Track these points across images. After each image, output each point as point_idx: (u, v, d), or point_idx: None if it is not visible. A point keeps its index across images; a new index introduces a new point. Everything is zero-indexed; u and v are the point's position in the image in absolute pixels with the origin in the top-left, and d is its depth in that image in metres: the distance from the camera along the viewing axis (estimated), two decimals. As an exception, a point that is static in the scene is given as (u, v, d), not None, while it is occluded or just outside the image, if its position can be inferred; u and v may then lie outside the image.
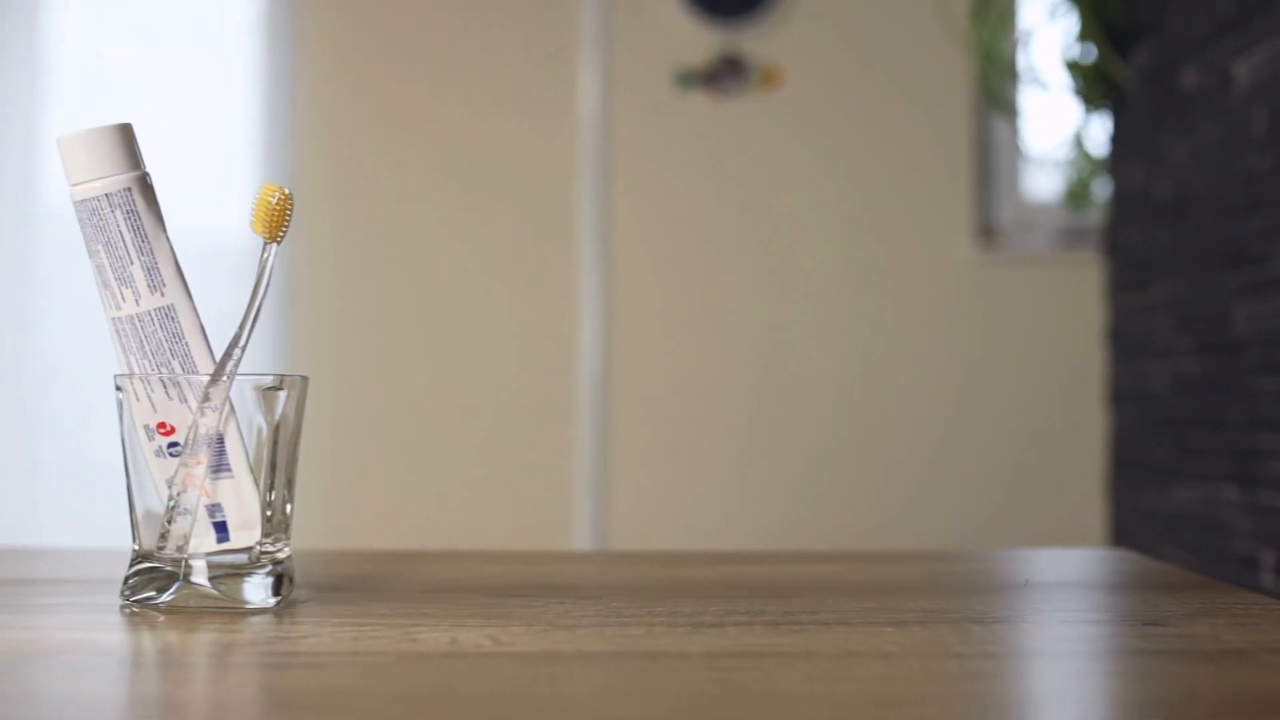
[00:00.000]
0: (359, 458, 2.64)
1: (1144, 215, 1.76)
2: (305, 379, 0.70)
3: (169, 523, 0.68)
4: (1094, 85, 1.76)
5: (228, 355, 0.67)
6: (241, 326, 0.67)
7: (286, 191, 0.65)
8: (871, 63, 2.62)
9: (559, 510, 2.62)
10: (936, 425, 2.58)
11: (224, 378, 0.67)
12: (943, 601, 0.72)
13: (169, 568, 0.68)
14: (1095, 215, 2.51)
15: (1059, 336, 2.57)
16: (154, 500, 0.69)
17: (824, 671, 0.55)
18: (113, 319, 0.68)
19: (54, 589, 0.74)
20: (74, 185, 0.67)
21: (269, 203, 0.65)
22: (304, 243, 2.67)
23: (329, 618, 0.65)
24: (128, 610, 0.66)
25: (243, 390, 0.68)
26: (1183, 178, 1.65)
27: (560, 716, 0.48)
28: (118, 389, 0.69)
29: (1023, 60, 2.02)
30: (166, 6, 2.78)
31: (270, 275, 0.67)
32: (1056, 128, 2.27)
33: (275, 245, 0.66)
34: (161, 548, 0.68)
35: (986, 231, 2.57)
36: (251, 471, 0.69)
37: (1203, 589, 0.74)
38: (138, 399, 0.68)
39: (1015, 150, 2.58)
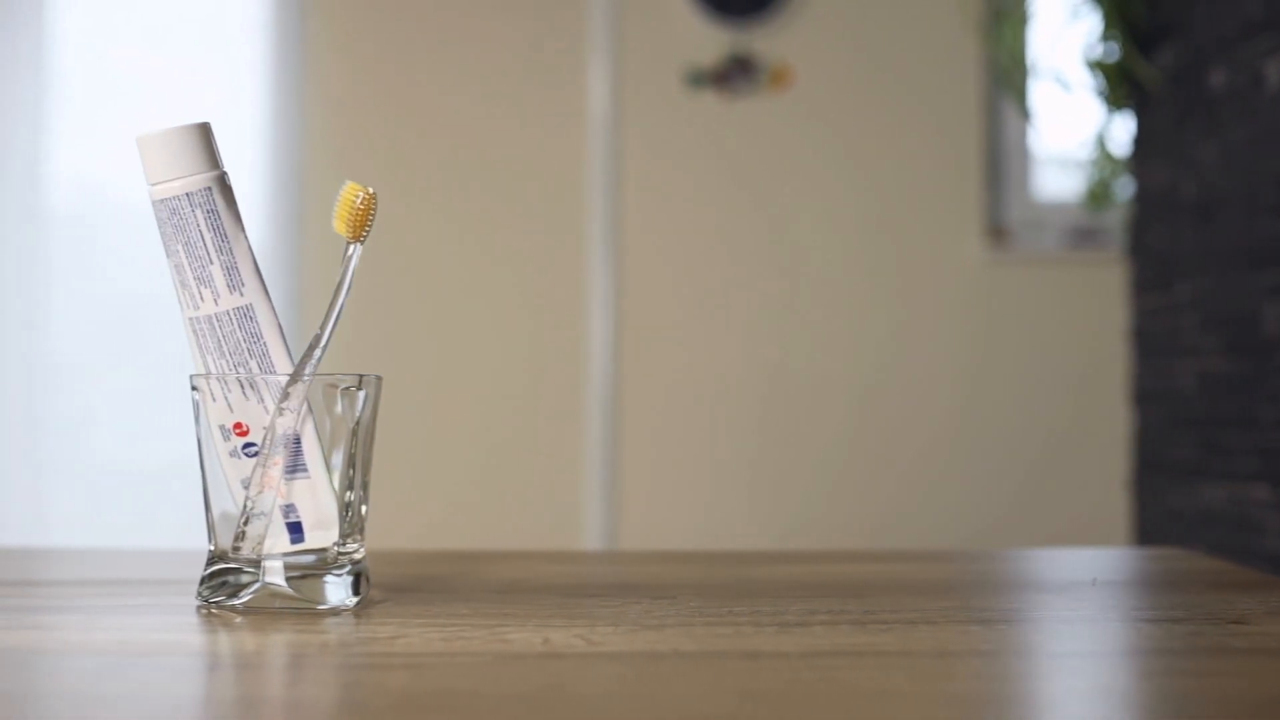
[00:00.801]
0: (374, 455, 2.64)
1: (1169, 215, 1.77)
2: (380, 379, 0.70)
3: (245, 524, 0.68)
4: (1117, 85, 1.77)
5: (308, 355, 0.67)
6: (323, 326, 0.67)
7: (370, 191, 0.65)
8: (881, 62, 2.62)
9: (569, 510, 2.62)
10: (947, 425, 2.59)
11: (304, 378, 0.67)
12: (1017, 600, 0.72)
13: (246, 569, 0.67)
14: (1105, 215, 2.52)
15: (1069, 336, 2.58)
16: (229, 501, 0.69)
17: (926, 670, 0.55)
18: (189, 319, 0.68)
19: (131, 590, 0.73)
20: (153, 185, 0.67)
21: (353, 203, 0.65)
22: (312, 243, 2.66)
23: (410, 618, 0.64)
24: (206, 611, 0.66)
25: (322, 390, 0.68)
26: (1210, 178, 1.66)
27: (681, 717, 0.48)
28: (194, 389, 0.69)
29: (1044, 59, 2.02)
30: (174, 6, 2.78)
31: (353, 276, 0.67)
32: (1074, 127, 2.27)
33: (359, 245, 0.66)
34: (237, 549, 0.68)
35: (996, 231, 2.57)
36: (328, 472, 0.68)
37: (1274, 587, 0.74)
38: (214, 399, 0.68)
39: (1025, 150, 2.59)
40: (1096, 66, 1.79)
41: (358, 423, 0.69)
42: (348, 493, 0.68)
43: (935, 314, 2.60)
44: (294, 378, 0.67)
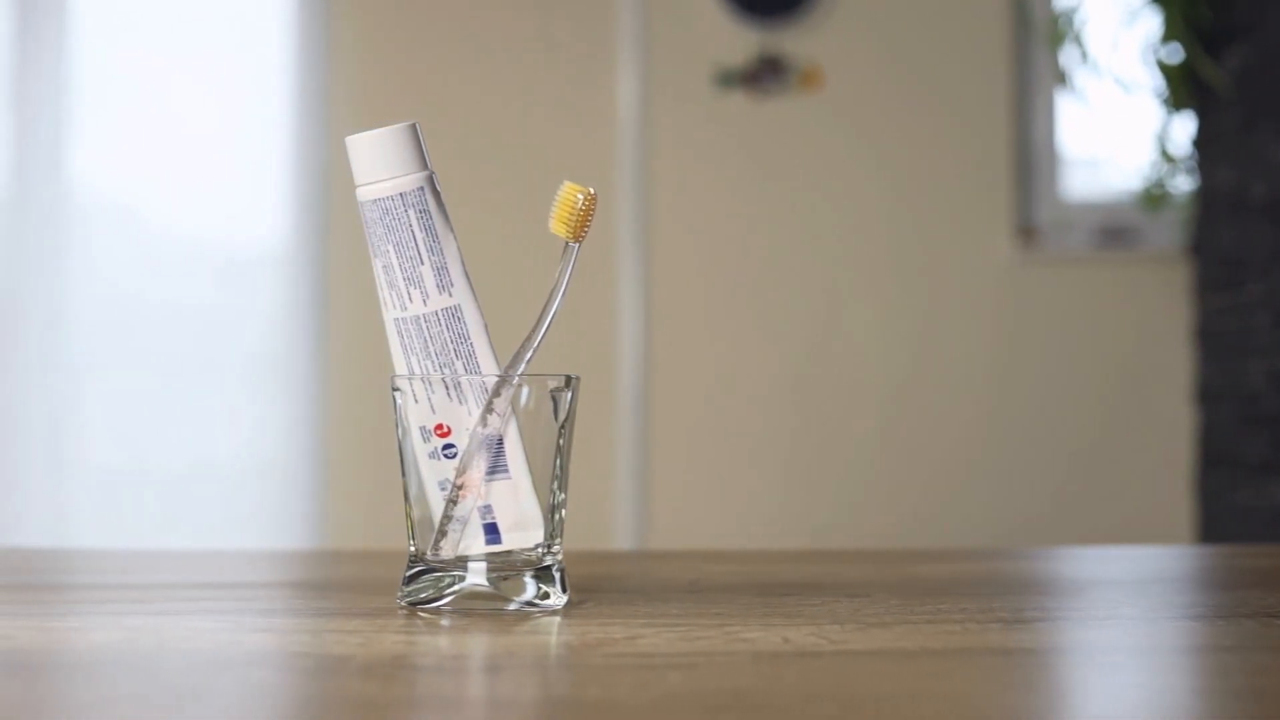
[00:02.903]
0: (395, 454, 2.63)
1: (1237, 215, 1.78)
2: (579, 379, 0.70)
3: (445, 526, 0.68)
4: (1180, 86, 1.78)
5: (519, 356, 0.67)
6: (537, 327, 0.67)
7: (591, 191, 0.65)
8: (911, 62, 2.63)
9: (600, 509, 2.61)
10: (976, 424, 2.60)
11: (514, 379, 0.67)
12: (1212, 596, 0.73)
13: (447, 570, 0.67)
14: (1134, 215, 2.54)
15: (1099, 336, 2.59)
16: (430, 503, 0.69)
17: (1186, 665, 0.55)
18: (395, 320, 0.68)
19: (326, 593, 0.73)
20: (365, 185, 0.67)
21: (573, 203, 0.65)
22: (340, 243, 2.65)
23: (625, 618, 0.64)
24: (412, 613, 0.66)
25: (531, 390, 0.68)
26: (1282, 178, 1.68)
27: (977, 713, 0.48)
28: (395, 390, 0.69)
29: (1104, 61, 2.02)
30: (197, 5, 2.76)
31: (570, 277, 0.67)
32: (1128, 127, 2.27)
33: (578, 246, 0.66)
34: (438, 551, 0.68)
35: (1026, 231, 2.59)
36: (530, 473, 0.68)
37: None
38: (416, 401, 0.68)
39: (1054, 150, 2.60)
40: (1159, 67, 1.80)
41: (564, 423, 0.69)
42: (558, 493, 0.68)
43: (965, 314, 2.61)
44: (504, 379, 0.67)
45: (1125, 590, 0.79)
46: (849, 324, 2.62)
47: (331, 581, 0.78)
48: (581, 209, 0.65)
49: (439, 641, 0.60)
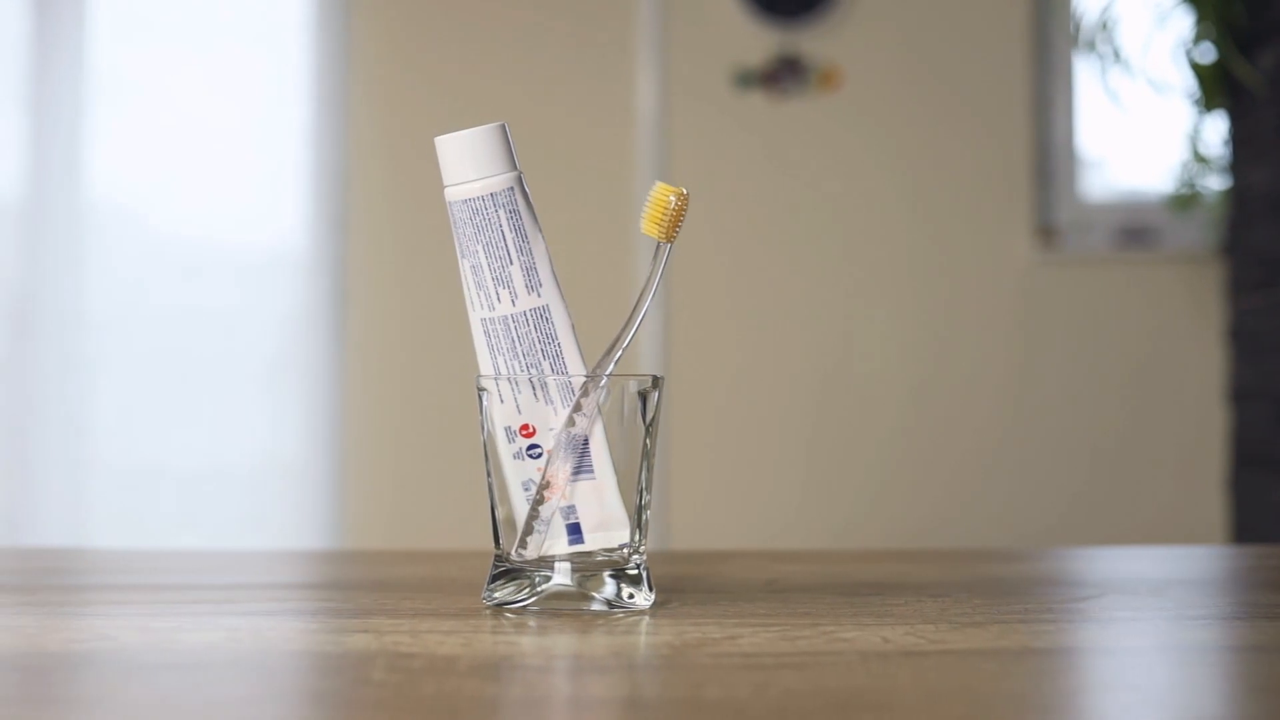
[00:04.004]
0: (418, 457, 2.63)
1: (1273, 215, 1.78)
2: (664, 379, 0.70)
3: (531, 526, 0.68)
4: (1213, 86, 1.78)
5: (609, 356, 0.67)
6: (626, 326, 0.67)
7: (684, 192, 0.65)
8: (930, 63, 2.63)
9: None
10: (995, 425, 2.60)
11: (603, 379, 0.67)
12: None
13: (533, 570, 0.67)
14: (1154, 215, 2.54)
15: (1119, 336, 2.60)
16: (514, 503, 0.69)
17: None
18: (482, 320, 0.68)
19: (407, 594, 0.73)
20: (454, 185, 0.67)
21: (667, 204, 0.65)
22: (358, 242, 2.65)
23: (717, 618, 0.64)
24: (498, 613, 0.66)
25: (620, 391, 0.68)
26: (1319, 179, 1.68)
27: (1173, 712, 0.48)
28: (481, 390, 0.69)
29: (1136, 61, 2.02)
30: (215, 3, 2.76)
31: (660, 277, 0.67)
32: (1153, 127, 2.26)
33: (670, 246, 0.66)
34: (522, 552, 0.68)
35: (1045, 231, 2.59)
36: (615, 473, 0.68)
37: None
38: (501, 400, 0.68)
39: (1073, 150, 2.60)
40: (1192, 67, 1.80)
41: (651, 423, 0.69)
42: (644, 494, 0.68)
43: (984, 314, 2.61)
44: (595, 378, 0.67)
45: (1199, 590, 0.79)
46: (868, 324, 2.62)
47: (407, 582, 0.78)
48: (674, 209, 0.65)
49: (540, 641, 0.60)
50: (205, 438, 2.71)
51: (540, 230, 0.67)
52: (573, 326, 0.68)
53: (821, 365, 2.63)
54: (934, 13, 2.64)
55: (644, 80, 2.64)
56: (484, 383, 0.69)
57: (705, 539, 2.56)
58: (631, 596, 0.67)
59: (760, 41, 2.63)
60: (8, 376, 2.61)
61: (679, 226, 0.65)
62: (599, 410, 0.67)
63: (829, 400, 2.62)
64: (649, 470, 0.69)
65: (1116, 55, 1.93)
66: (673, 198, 0.65)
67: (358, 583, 0.79)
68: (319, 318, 2.64)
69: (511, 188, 0.67)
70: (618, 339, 0.67)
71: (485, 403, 0.69)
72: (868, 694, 0.50)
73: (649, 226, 0.65)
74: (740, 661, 0.55)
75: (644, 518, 0.69)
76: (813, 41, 2.63)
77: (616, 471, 0.68)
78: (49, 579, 0.82)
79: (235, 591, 0.74)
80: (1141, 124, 2.29)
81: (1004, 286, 2.61)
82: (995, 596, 0.72)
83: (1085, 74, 2.57)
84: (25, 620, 0.64)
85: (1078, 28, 2.25)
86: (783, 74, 2.62)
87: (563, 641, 0.60)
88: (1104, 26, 1.95)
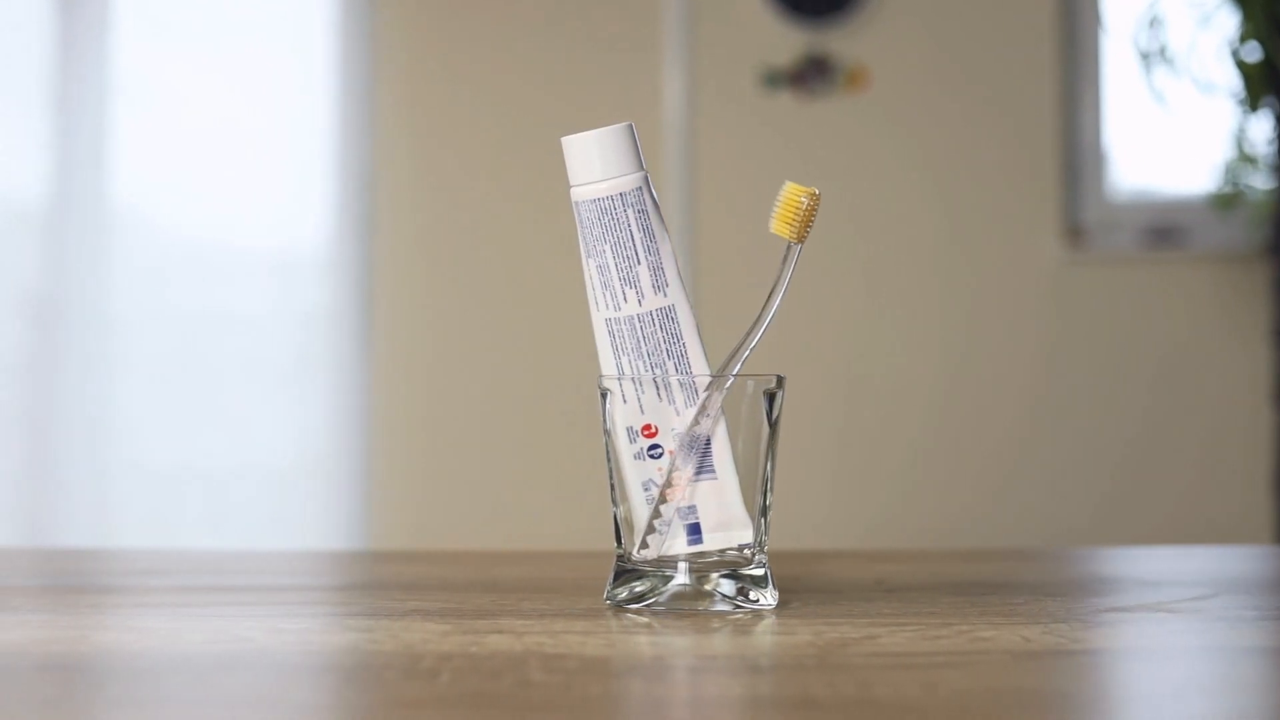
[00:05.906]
0: (445, 457, 2.63)
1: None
2: (785, 378, 0.70)
3: (651, 526, 0.68)
4: (1259, 85, 1.78)
5: (735, 356, 0.67)
6: (755, 326, 0.67)
7: (815, 192, 0.65)
8: (958, 62, 2.64)
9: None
10: (1023, 424, 2.60)
11: (729, 379, 0.67)
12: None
13: (656, 570, 0.67)
14: (1182, 215, 2.55)
15: (1148, 336, 2.60)
16: (632, 504, 0.69)
17: None
18: (607, 320, 0.68)
19: (525, 595, 0.73)
20: (582, 185, 0.67)
21: (798, 204, 0.65)
22: (384, 241, 2.65)
23: (847, 617, 0.64)
24: (619, 613, 0.66)
25: (745, 390, 0.68)
26: (1369, 177, 1.67)
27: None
28: (603, 391, 0.69)
29: (1180, 60, 2.01)
30: (239, 6, 2.75)
31: (790, 278, 0.67)
32: (1189, 126, 2.26)
33: (800, 247, 0.66)
34: (643, 551, 0.68)
35: (1073, 231, 2.59)
36: (736, 473, 0.68)
37: None
38: (624, 401, 0.68)
39: (1100, 149, 2.61)
40: (1238, 66, 1.80)
41: (774, 423, 0.69)
42: (768, 494, 0.68)
43: (1012, 314, 2.61)
44: (719, 379, 0.67)
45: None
46: (895, 324, 2.62)
47: (518, 584, 0.78)
48: (806, 210, 0.65)
49: (683, 642, 0.60)
50: (231, 439, 2.70)
51: (666, 230, 0.67)
52: (698, 327, 0.68)
53: (848, 365, 2.62)
54: (961, 12, 2.64)
55: (671, 80, 2.64)
56: (606, 383, 0.68)
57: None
58: (756, 597, 0.67)
59: (787, 41, 2.63)
60: (32, 377, 2.60)
61: (809, 227, 0.65)
62: (722, 411, 0.67)
63: (856, 401, 2.62)
64: (773, 471, 0.69)
65: (1163, 54, 1.93)
66: (805, 198, 0.65)
67: (464, 583, 0.78)
68: (345, 317, 2.64)
69: (640, 188, 0.67)
70: (745, 339, 0.67)
71: (607, 403, 0.68)
72: (1037, 693, 0.50)
73: (779, 226, 0.66)
74: (892, 661, 0.55)
75: (767, 519, 0.69)
76: (840, 41, 2.63)
77: (738, 472, 0.68)
78: (102, 580, 0.82)
79: (344, 594, 0.74)
80: (1179, 123, 2.28)
81: (1032, 286, 2.61)
82: (1110, 594, 0.72)
83: (1114, 72, 2.57)
84: (64, 620, 0.64)
85: (1106, 26, 2.24)
86: (810, 74, 2.62)
87: (707, 641, 0.60)
88: (1150, 24, 1.95)
